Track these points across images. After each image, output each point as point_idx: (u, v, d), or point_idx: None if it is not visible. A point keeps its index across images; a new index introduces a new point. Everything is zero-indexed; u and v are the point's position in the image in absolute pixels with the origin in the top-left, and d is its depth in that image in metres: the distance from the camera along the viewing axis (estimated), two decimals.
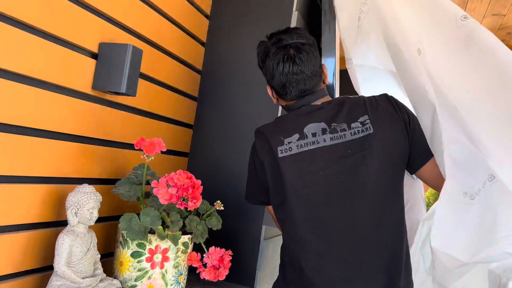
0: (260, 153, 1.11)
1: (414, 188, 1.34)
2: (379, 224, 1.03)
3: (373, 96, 1.12)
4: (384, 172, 1.04)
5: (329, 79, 1.49)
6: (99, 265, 1.00)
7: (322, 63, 1.17)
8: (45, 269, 0.99)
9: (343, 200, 1.04)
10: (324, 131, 1.08)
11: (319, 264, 1.05)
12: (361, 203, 1.04)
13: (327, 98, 1.16)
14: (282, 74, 1.11)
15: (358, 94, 1.42)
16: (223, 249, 1.12)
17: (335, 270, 1.04)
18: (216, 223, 1.17)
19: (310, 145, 1.08)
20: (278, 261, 1.52)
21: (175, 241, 1.04)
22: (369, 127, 1.06)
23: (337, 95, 1.49)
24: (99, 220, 1.10)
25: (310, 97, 1.13)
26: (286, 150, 1.08)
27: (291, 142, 1.09)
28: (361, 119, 1.08)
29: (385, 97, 1.12)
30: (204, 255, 1.12)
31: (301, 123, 1.09)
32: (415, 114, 1.09)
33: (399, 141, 1.06)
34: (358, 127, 1.07)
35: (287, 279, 1.09)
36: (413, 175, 1.17)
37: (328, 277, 1.03)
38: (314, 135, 1.09)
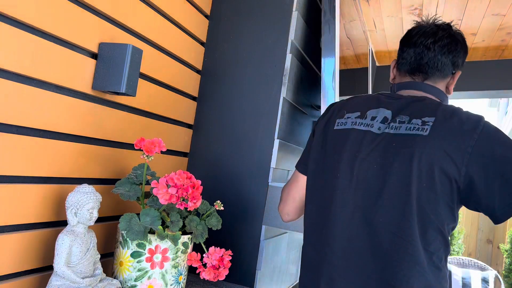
0: (319, 121, 1.16)
1: None
2: (396, 233, 0.99)
3: (468, 112, 1.05)
4: (416, 181, 0.99)
5: (331, 81, 1.49)
6: (99, 265, 1.00)
7: (453, 71, 1.17)
8: (45, 269, 1.00)
9: (368, 191, 1.03)
10: (384, 120, 1.07)
11: (324, 234, 1.07)
12: (382, 202, 1.01)
13: (427, 95, 1.14)
14: (416, 45, 1.15)
15: None
16: (223, 249, 1.12)
17: (347, 245, 1.04)
18: (216, 223, 1.17)
19: (364, 126, 1.08)
20: (278, 261, 1.53)
21: (175, 241, 1.04)
22: (427, 129, 1.00)
23: (337, 95, 1.49)
24: (99, 220, 1.10)
25: (414, 84, 1.15)
26: (341, 124, 1.11)
27: (349, 117, 1.11)
28: (425, 119, 1.03)
29: (476, 118, 1.02)
30: (204, 255, 1.12)
31: (372, 105, 1.11)
32: None
33: (447, 166, 0.97)
34: (417, 124, 1.03)
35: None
36: None
37: (332, 252, 1.05)
38: (372, 118, 1.08)
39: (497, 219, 0.98)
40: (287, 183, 1.22)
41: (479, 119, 1.02)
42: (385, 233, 1.00)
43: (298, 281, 1.88)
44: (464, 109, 1.05)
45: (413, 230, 0.99)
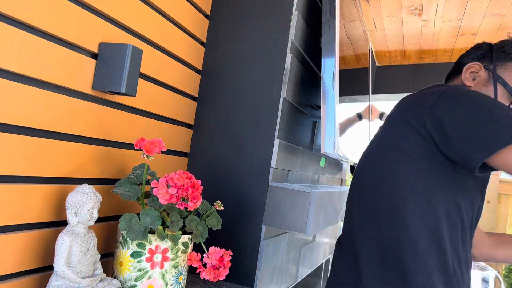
0: None
1: None
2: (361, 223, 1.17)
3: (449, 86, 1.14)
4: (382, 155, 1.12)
5: (331, 81, 1.49)
6: (99, 265, 1.01)
7: (470, 63, 1.23)
8: (45, 269, 1.00)
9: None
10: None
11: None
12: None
13: None
14: None
15: None
16: (223, 249, 1.12)
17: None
18: (216, 223, 1.17)
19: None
20: (278, 261, 1.53)
21: (175, 241, 1.04)
22: (398, 103, 1.16)
23: (337, 95, 1.49)
24: (99, 220, 1.10)
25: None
26: None
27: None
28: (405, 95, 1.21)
29: (442, 87, 1.10)
30: (204, 255, 1.12)
31: None
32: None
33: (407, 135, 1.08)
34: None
35: None
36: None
37: None
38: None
39: (471, 164, 0.97)
40: None
41: (444, 88, 1.09)
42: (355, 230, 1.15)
43: (298, 281, 1.87)
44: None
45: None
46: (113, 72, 1.06)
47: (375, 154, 1.15)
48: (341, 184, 2.69)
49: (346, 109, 1.79)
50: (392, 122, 1.13)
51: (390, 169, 1.08)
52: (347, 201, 1.22)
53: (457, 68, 1.28)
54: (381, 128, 1.18)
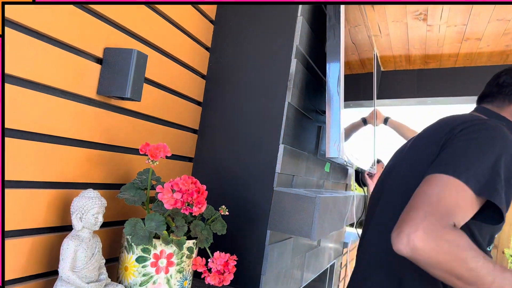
0: None
1: None
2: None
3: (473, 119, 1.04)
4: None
5: (336, 86, 1.49)
6: (104, 270, 1.00)
7: None
8: (50, 274, 1.00)
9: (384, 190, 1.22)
10: None
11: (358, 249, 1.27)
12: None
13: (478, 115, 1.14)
14: None
15: None
16: (228, 254, 1.12)
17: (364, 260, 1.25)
18: (220, 228, 1.17)
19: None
20: (283, 266, 1.52)
21: (180, 246, 1.03)
22: (424, 129, 1.15)
23: (342, 100, 1.49)
24: (104, 225, 1.10)
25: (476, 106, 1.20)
26: None
27: None
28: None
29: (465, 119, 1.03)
30: (209, 260, 1.11)
31: None
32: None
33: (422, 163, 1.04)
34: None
35: None
36: None
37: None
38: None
39: None
40: None
41: (465, 121, 1.01)
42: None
43: (303, 286, 1.86)
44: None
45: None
46: (118, 77, 1.06)
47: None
48: (346, 189, 2.68)
49: (351, 114, 1.78)
50: (424, 138, 1.11)
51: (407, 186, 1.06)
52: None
53: (499, 90, 1.12)
54: (418, 137, 1.16)
